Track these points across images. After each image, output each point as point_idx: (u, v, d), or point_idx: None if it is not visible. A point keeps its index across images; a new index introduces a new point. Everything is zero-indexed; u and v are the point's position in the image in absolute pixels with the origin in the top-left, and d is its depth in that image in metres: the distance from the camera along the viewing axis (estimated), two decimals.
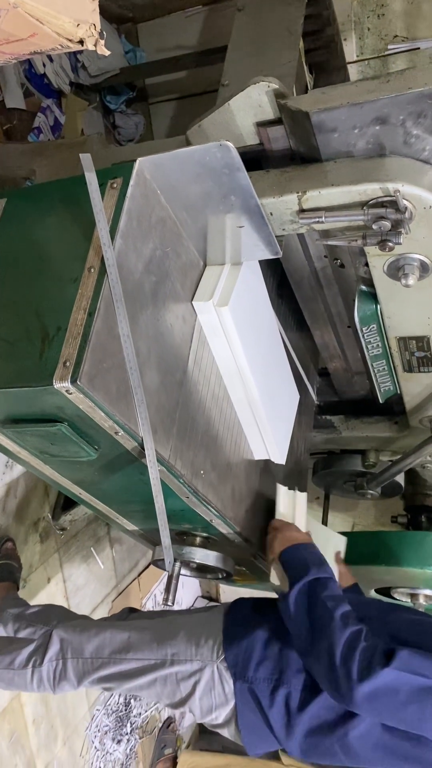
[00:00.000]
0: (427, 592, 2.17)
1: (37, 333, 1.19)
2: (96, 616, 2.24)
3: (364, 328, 1.75)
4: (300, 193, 1.40)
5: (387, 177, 1.34)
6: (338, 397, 2.46)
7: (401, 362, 1.85)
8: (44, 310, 1.22)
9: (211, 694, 1.55)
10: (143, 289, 1.31)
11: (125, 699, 3.22)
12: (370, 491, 2.42)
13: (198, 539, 1.78)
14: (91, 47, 1.02)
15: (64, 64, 2.84)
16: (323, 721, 1.42)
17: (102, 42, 1.03)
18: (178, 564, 1.71)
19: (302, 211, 1.42)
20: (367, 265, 1.55)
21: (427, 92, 1.26)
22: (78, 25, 0.99)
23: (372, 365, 1.91)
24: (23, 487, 2.42)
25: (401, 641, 1.39)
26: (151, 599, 3.45)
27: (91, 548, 2.90)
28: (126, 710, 3.21)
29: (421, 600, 2.19)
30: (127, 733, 3.17)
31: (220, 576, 1.94)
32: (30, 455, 1.48)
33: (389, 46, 2.86)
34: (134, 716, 3.26)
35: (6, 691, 2.33)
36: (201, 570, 1.94)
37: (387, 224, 1.34)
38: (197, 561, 1.74)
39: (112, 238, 1.21)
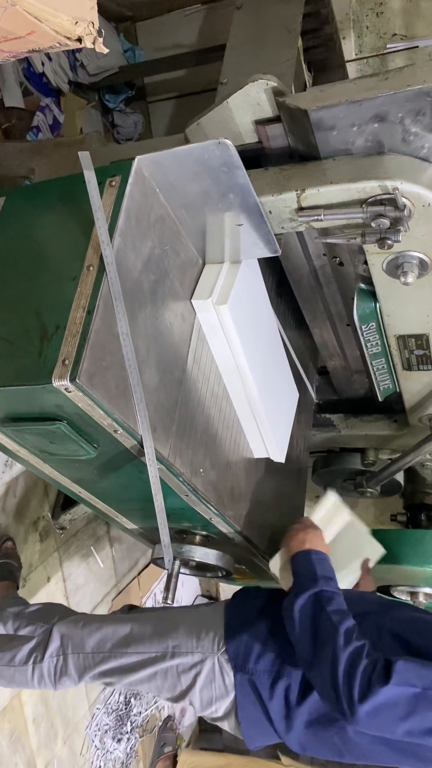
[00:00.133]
0: (427, 590, 2.17)
1: (36, 331, 1.19)
2: None
3: (363, 327, 1.75)
4: (299, 191, 1.40)
5: (386, 175, 1.34)
6: (337, 396, 2.46)
7: (400, 360, 1.85)
8: (43, 309, 1.22)
9: (212, 687, 1.55)
10: (142, 288, 1.30)
11: (125, 698, 3.22)
12: (370, 490, 2.42)
13: (197, 537, 1.78)
14: (89, 45, 1.02)
15: (63, 62, 2.83)
16: (322, 715, 1.42)
17: (100, 40, 1.03)
18: (177, 562, 1.72)
19: (301, 209, 1.42)
20: (366, 263, 1.55)
21: (425, 89, 1.26)
22: (76, 22, 0.99)
23: (371, 363, 1.91)
24: (23, 486, 2.42)
25: (402, 638, 1.40)
26: (151, 598, 3.45)
27: (91, 547, 2.90)
28: (126, 709, 3.21)
29: (421, 598, 2.18)
30: (127, 732, 3.17)
31: (220, 574, 1.94)
32: (29, 454, 1.48)
33: (388, 45, 2.86)
34: (134, 715, 3.26)
35: (6, 689, 2.33)
36: (200, 568, 1.94)
37: (386, 222, 1.34)
38: (197, 559, 1.75)
39: (111, 236, 1.21)
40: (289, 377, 1.98)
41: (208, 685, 1.55)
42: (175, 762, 3.44)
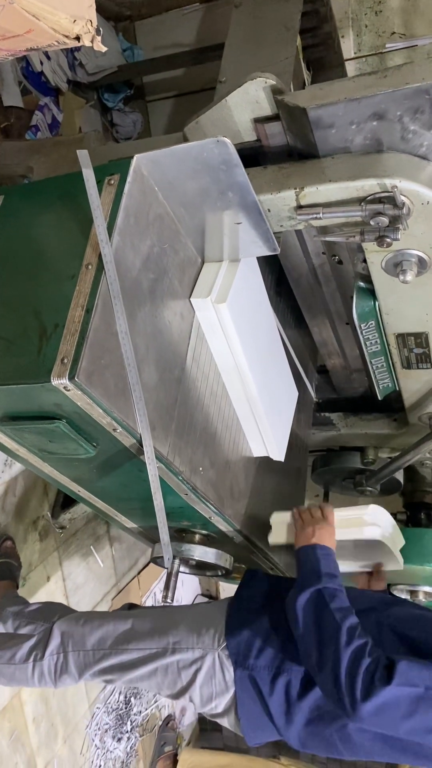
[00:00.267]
0: (427, 588, 2.17)
1: (34, 330, 1.19)
2: None
3: (362, 325, 1.75)
4: (298, 190, 1.40)
5: (384, 173, 1.34)
6: (337, 394, 2.46)
7: (400, 359, 1.85)
8: (42, 307, 1.21)
9: (212, 683, 1.55)
10: (141, 286, 1.30)
11: (125, 697, 3.22)
12: (369, 488, 2.42)
13: (197, 536, 1.78)
14: (87, 43, 1.02)
15: (62, 61, 2.83)
16: (323, 711, 1.43)
17: (99, 38, 1.03)
18: (177, 561, 1.72)
19: (300, 207, 1.42)
20: (365, 261, 1.55)
21: (424, 87, 1.26)
22: (74, 21, 0.99)
23: (370, 362, 1.91)
24: (22, 485, 2.42)
25: (403, 636, 1.40)
26: (151, 597, 3.45)
27: (91, 546, 2.90)
28: (126, 708, 3.21)
29: (421, 597, 2.18)
30: (127, 731, 3.17)
31: (220, 573, 1.94)
32: (29, 453, 1.48)
33: (387, 44, 2.86)
34: (134, 714, 3.26)
35: (6, 688, 2.33)
36: (200, 567, 1.94)
37: (385, 220, 1.34)
38: (196, 558, 1.75)
39: (110, 234, 1.21)
40: (289, 376, 1.98)
41: (208, 681, 1.56)
42: (175, 761, 3.45)
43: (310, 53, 2.21)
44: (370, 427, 2.38)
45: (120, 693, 3.19)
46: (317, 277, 1.87)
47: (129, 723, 3.20)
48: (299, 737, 1.48)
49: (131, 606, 1.97)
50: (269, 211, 1.44)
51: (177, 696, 1.62)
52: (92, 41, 1.02)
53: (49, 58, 2.75)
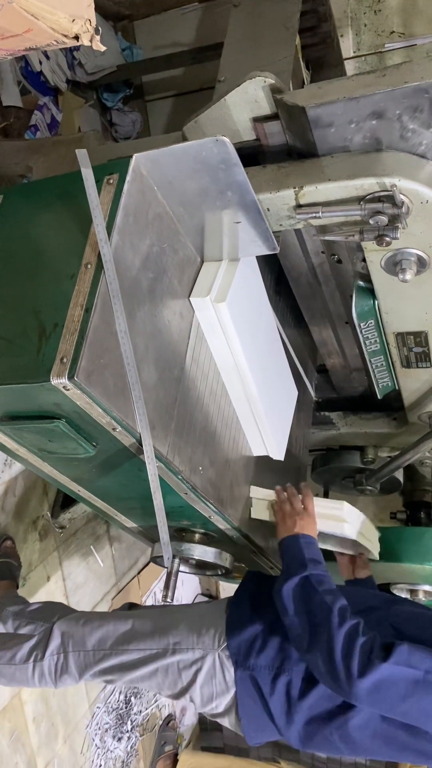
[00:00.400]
0: (427, 588, 2.17)
1: (34, 329, 1.19)
2: None
3: (361, 324, 1.75)
4: (297, 189, 1.40)
5: (384, 172, 1.34)
6: (337, 394, 2.46)
7: (399, 358, 1.85)
8: (41, 307, 1.21)
9: (212, 683, 1.56)
10: (140, 286, 1.30)
11: (125, 696, 3.23)
12: (369, 487, 2.42)
13: (197, 536, 1.78)
14: (86, 43, 1.02)
15: (61, 61, 2.83)
16: (323, 710, 1.43)
17: (98, 38, 1.02)
18: (177, 560, 1.72)
19: (299, 206, 1.42)
20: (364, 260, 1.55)
21: (423, 86, 1.26)
22: (73, 20, 0.99)
23: (370, 361, 1.91)
24: (22, 485, 2.42)
25: (403, 634, 1.41)
26: (151, 597, 3.45)
27: (91, 546, 2.90)
28: (126, 708, 3.21)
29: (421, 596, 2.19)
30: (127, 731, 3.18)
31: (219, 572, 1.94)
32: (28, 452, 1.48)
33: (386, 43, 2.86)
34: (135, 714, 3.26)
35: (6, 688, 2.33)
36: (200, 567, 1.94)
37: (384, 219, 1.34)
38: (196, 557, 1.75)
39: (109, 234, 1.21)
40: (288, 375, 1.98)
41: (208, 681, 1.56)
42: (175, 761, 3.45)
43: (309, 52, 2.21)
44: (369, 426, 2.38)
45: (120, 693, 3.19)
46: (317, 276, 1.87)
47: (129, 722, 3.20)
48: (300, 737, 1.48)
49: (131, 606, 1.97)
50: (268, 210, 1.44)
51: (178, 696, 1.62)
52: (91, 41, 1.02)
53: (48, 57, 2.75)
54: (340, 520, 1.73)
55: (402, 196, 1.32)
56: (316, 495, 1.75)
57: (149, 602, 3.42)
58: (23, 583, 2.40)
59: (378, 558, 1.96)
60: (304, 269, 1.86)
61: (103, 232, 1.20)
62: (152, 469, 1.32)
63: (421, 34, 2.82)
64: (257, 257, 1.64)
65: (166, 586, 1.71)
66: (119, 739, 3.12)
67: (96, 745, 2.98)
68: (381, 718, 1.34)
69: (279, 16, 1.87)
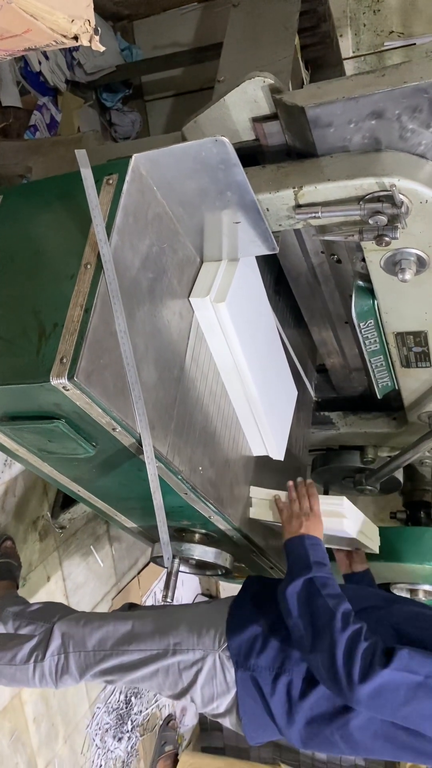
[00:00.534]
0: (427, 587, 2.17)
1: (33, 330, 1.19)
2: None
3: (361, 324, 1.75)
4: (296, 189, 1.40)
5: (383, 171, 1.34)
6: (336, 394, 2.46)
7: (399, 358, 1.85)
8: (41, 307, 1.22)
9: (213, 683, 1.56)
10: (140, 286, 1.30)
11: (126, 696, 3.23)
12: (369, 487, 2.42)
13: (197, 536, 1.78)
14: (85, 43, 1.02)
15: (60, 61, 2.83)
16: (324, 710, 1.43)
17: (97, 38, 1.03)
18: (177, 560, 1.72)
19: (298, 206, 1.42)
20: (364, 260, 1.55)
21: (422, 86, 1.26)
22: (72, 21, 0.99)
23: (370, 361, 1.91)
24: (22, 485, 2.42)
25: (403, 633, 1.41)
26: (151, 597, 3.45)
27: (91, 546, 2.90)
28: (127, 708, 3.21)
29: (421, 596, 2.19)
30: (128, 731, 3.18)
31: (219, 572, 1.94)
32: (28, 453, 1.48)
33: (385, 43, 2.86)
34: (135, 714, 3.26)
35: (7, 688, 2.33)
36: (200, 567, 1.94)
37: (383, 219, 1.34)
38: (196, 557, 1.75)
39: (108, 234, 1.21)
40: (288, 375, 1.98)
41: (209, 681, 1.56)
42: (175, 761, 3.45)
43: (309, 52, 2.21)
44: (369, 426, 2.38)
45: (120, 692, 3.19)
46: (316, 276, 1.87)
47: (129, 722, 3.20)
48: (301, 736, 1.48)
49: (131, 606, 1.97)
50: (268, 210, 1.44)
51: (178, 696, 1.62)
52: (90, 41, 1.02)
53: (47, 57, 2.75)
54: (339, 516, 1.72)
55: (401, 196, 1.32)
56: None
57: (149, 602, 3.42)
58: (23, 584, 2.40)
59: (378, 552, 1.96)
60: (304, 269, 1.86)
61: (102, 232, 1.20)
62: (152, 469, 1.32)
63: (420, 33, 2.82)
64: (257, 257, 1.64)
65: (166, 586, 1.71)
66: (119, 739, 3.12)
67: (96, 745, 2.98)
68: (382, 719, 1.34)
69: (278, 16, 1.87)
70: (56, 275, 1.23)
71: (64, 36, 1.01)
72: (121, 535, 3.05)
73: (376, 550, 1.95)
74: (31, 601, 2.05)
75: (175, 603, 1.73)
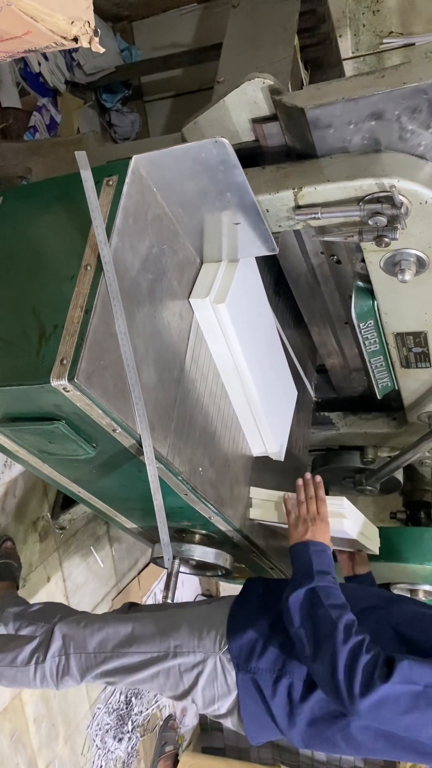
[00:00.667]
0: (427, 587, 2.17)
1: (34, 331, 1.19)
2: None
3: (361, 324, 1.75)
4: (296, 190, 1.40)
5: (383, 172, 1.34)
6: (336, 394, 2.46)
7: (398, 358, 1.85)
8: (41, 308, 1.22)
9: (214, 685, 1.55)
10: (140, 287, 1.31)
11: (126, 697, 3.23)
12: (369, 487, 2.42)
13: (197, 536, 1.78)
14: (85, 45, 1.02)
15: (60, 62, 2.83)
16: (325, 712, 1.43)
17: (96, 39, 1.03)
18: (177, 561, 1.72)
19: (298, 207, 1.42)
20: (363, 261, 1.55)
21: (422, 87, 1.26)
22: (72, 22, 0.99)
23: (369, 361, 1.91)
24: (22, 486, 2.42)
25: (403, 636, 1.40)
26: (151, 597, 3.45)
27: (91, 547, 2.90)
28: (127, 708, 3.21)
29: (421, 596, 2.19)
30: (128, 731, 3.18)
31: (220, 573, 1.94)
32: (28, 454, 1.48)
33: (384, 42, 2.86)
34: (135, 714, 3.26)
35: (7, 689, 2.33)
36: (200, 567, 1.94)
37: (383, 220, 1.34)
38: (196, 558, 1.75)
39: (108, 235, 1.21)
40: (288, 376, 1.98)
41: (210, 683, 1.56)
42: (176, 761, 3.45)
43: (308, 53, 2.21)
44: (369, 427, 2.38)
45: (121, 693, 3.19)
46: (316, 276, 1.87)
47: (130, 723, 3.20)
48: (302, 737, 1.48)
49: (131, 605, 1.96)
50: (267, 211, 1.45)
51: (179, 698, 1.62)
52: (90, 42, 1.02)
53: (47, 59, 2.75)
54: (339, 516, 1.72)
55: (401, 197, 1.32)
56: None
57: (149, 602, 3.42)
58: (23, 584, 2.40)
59: (378, 553, 1.96)
60: (304, 270, 1.86)
61: (102, 233, 1.20)
62: (152, 470, 1.32)
63: (419, 34, 2.82)
64: (257, 258, 1.64)
65: (167, 587, 1.71)
66: (120, 740, 3.13)
67: (97, 745, 2.98)
68: None
69: (278, 17, 1.87)
70: (56, 276, 1.23)
71: (64, 38, 1.01)
72: (121, 535, 3.06)
73: (376, 551, 1.95)
74: (32, 601, 2.05)
75: (175, 603, 1.73)
